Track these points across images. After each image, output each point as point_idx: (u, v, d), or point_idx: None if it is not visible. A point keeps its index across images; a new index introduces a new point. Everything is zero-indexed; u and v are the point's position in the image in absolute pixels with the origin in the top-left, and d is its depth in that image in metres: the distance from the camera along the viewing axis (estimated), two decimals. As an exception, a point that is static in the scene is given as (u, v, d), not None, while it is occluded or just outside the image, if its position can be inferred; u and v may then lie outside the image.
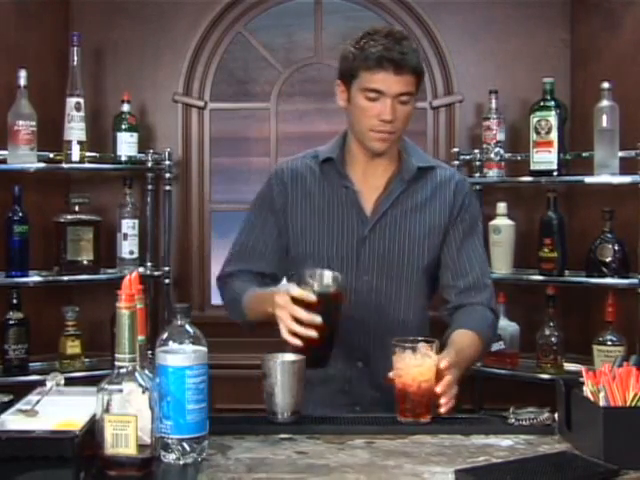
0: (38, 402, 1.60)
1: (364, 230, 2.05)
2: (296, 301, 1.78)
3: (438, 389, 1.75)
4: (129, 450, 1.41)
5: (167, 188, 3.44)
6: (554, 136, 3.18)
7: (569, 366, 3.23)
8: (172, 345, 1.54)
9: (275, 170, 2.17)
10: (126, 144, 3.36)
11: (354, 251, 2.05)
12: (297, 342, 1.77)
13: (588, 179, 3.13)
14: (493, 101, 3.38)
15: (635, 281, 3.04)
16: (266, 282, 2.07)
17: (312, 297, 1.78)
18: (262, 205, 2.14)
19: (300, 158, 2.15)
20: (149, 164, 3.41)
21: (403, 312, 2.07)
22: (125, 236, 3.35)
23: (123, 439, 1.40)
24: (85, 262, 3.24)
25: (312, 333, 1.75)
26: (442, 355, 1.81)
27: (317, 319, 1.76)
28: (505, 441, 1.67)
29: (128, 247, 3.35)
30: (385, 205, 2.05)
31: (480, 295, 2.08)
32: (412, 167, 2.07)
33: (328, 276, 1.84)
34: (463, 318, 2.04)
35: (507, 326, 3.33)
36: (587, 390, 1.62)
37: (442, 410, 1.76)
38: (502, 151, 3.38)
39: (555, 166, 3.19)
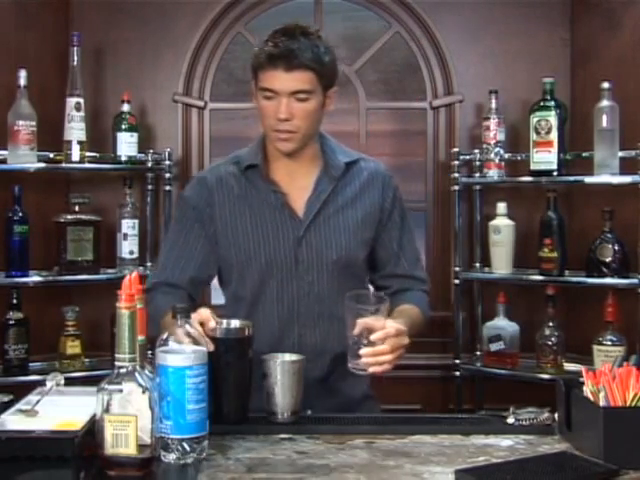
0: (38, 402, 1.60)
1: (299, 231, 2.02)
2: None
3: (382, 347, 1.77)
4: (129, 450, 1.41)
5: (167, 188, 3.43)
6: (554, 136, 3.18)
7: (569, 366, 3.23)
8: (172, 345, 1.54)
9: (197, 178, 2.15)
10: (126, 144, 3.36)
11: (292, 253, 2.02)
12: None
13: (588, 179, 3.13)
14: (493, 101, 3.38)
15: (635, 281, 3.04)
16: (196, 290, 2.08)
17: (210, 346, 1.65)
18: (186, 214, 2.08)
19: (222, 165, 2.12)
20: (149, 164, 3.41)
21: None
22: (125, 236, 3.34)
23: (123, 439, 1.40)
24: (85, 262, 3.23)
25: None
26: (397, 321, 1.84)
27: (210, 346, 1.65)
28: (505, 441, 1.67)
29: (128, 247, 3.34)
30: (316, 205, 2.04)
31: (418, 282, 2.16)
32: (339, 164, 2.06)
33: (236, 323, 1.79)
34: (406, 295, 2.11)
35: (507, 326, 3.33)
36: (587, 390, 1.62)
37: (375, 369, 1.78)
38: (502, 151, 3.37)
39: (555, 166, 3.19)
